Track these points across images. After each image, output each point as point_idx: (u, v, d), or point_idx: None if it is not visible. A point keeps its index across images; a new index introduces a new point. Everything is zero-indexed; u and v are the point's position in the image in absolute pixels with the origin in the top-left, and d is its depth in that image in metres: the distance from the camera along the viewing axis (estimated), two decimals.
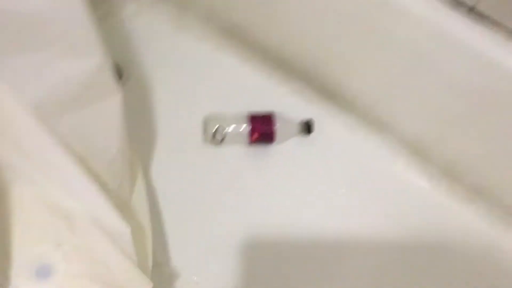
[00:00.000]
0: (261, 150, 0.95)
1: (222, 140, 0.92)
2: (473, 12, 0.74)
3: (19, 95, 0.49)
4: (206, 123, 0.93)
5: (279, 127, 0.92)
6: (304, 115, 0.96)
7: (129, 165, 0.74)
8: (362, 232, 0.90)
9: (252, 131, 0.91)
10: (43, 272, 0.48)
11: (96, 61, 0.53)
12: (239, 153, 0.94)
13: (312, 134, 0.96)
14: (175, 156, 0.93)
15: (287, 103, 0.98)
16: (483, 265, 0.87)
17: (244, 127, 0.92)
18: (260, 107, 0.95)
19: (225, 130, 0.92)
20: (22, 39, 0.48)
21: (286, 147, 0.96)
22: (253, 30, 1.02)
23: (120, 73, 1.01)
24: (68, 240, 0.50)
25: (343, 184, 0.94)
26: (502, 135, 0.80)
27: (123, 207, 0.71)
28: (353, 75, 0.93)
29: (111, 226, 0.54)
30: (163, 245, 0.84)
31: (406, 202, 0.92)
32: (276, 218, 0.90)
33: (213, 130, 0.92)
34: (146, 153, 0.92)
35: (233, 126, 0.92)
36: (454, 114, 0.83)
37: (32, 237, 0.50)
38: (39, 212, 0.51)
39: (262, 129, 0.92)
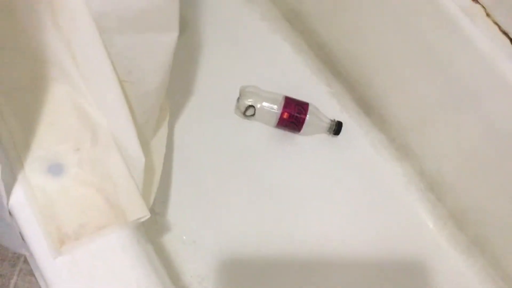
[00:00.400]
0: (285, 136, 0.96)
1: (252, 115, 0.93)
2: None
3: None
4: (241, 94, 0.94)
5: (309, 118, 0.93)
6: (337, 119, 0.96)
7: (159, 108, 0.76)
8: (352, 248, 0.89)
9: (284, 113, 0.92)
10: (56, 169, 0.49)
11: None
12: (264, 133, 0.95)
13: (338, 139, 0.97)
14: (203, 117, 0.94)
15: (324, 102, 0.99)
16: None
17: (277, 108, 0.93)
18: (297, 97, 0.96)
19: (258, 106, 0.93)
20: None
21: (310, 141, 0.97)
22: (315, 23, 1.03)
23: None
24: (88, 148, 0.51)
25: (352, 196, 0.94)
26: None
27: (143, 144, 0.73)
28: (396, 96, 0.93)
29: (129, 151, 0.55)
30: (165, 197, 0.85)
31: (406, 235, 0.92)
32: (279, 206, 0.90)
33: (246, 104, 0.93)
34: (178, 106, 0.93)
35: (266, 103, 0.93)
36: (482, 164, 0.82)
37: (55, 135, 0.51)
38: (69, 115, 0.53)
39: (294, 113, 0.93)
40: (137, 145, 0.55)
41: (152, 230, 0.81)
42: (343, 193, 0.94)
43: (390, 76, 0.93)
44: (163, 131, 0.76)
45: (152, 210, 0.81)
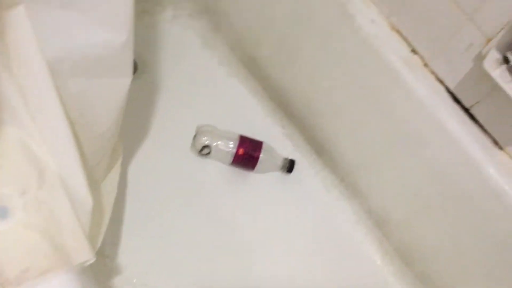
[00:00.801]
0: (240, 174, 0.98)
1: (208, 153, 0.95)
2: (468, 112, 0.79)
3: (43, 42, 0.52)
4: (197, 132, 0.96)
5: (263, 156, 0.97)
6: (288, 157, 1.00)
7: (112, 149, 0.76)
8: (302, 285, 0.91)
9: (239, 150, 0.95)
10: (0, 212, 0.49)
11: (123, 39, 0.57)
12: (219, 171, 0.98)
13: (290, 178, 1.00)
14: (158, 156, 0.95)
15: (277, 142, 1.03)
16: None
17: (232, 146, 0.96)
18: (252, 137, 0.99)
19: (213, 144, 0.95)
20: None
21: (264, 179, 0.99)
22: (271, 69, 1.07)
23: (135, 67, 1.05)
24: (34, 191, 0.52)
25: (303, 233, 0.97)
26: (468, 241, 0.83)
27: (93, 186, 0.74)
28: (345, 138, 0.98)
29: (77, 193, 0.55)
30: (116, 239, 0.85)
31: (355, 270, 0.95)
32: (233, 244, 0.92)
33: (202, 143, 0.95)
34: (133, 146, 0.94)
35: (222, 142, 0.96)
36: (425, 204, 0.87)
37: (2, 177, 0.51)
38: (17, 157, 0.53)
39: (248, 150, 0.96)
40: (85, 187, 0.56)
41: (101, 273, 0.80)
42: (295, 230, 0.97)
43: (339, 119, 0.97)
44: (115, 172, 0.77)
45: (101, 253, 0.81)
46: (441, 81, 0.81)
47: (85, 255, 0.51)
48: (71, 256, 0.50)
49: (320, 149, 1.03)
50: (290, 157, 1.01)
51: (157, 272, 0.84)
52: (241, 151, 0.96)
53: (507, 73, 0.69)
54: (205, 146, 0.96)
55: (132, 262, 0.83)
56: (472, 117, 0.79)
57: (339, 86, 0.93)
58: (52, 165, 0.55)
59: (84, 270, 0.56)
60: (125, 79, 0.62)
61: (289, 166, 0.99)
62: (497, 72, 0.69)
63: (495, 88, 0.70)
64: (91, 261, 0.52)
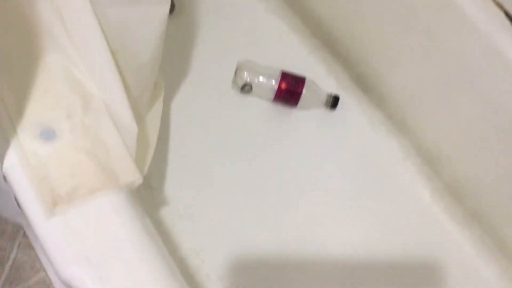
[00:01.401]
0: (282, 110, 0.96)
1: (249, 90, 0.94)
2: None
3: None
4: (238, 68, 0.95)
5: (307, 92, 0.94)
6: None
7: (154, 82, 0.76)
8: (349, 223, 0.90)
9: (281, 84, 0.93)
10: (48, 135, 0.50)
11: None
12: (261, 108, 0.96)
13: (335, 115, 0.97)
14: (199, 94, 0.95)
15: (321, 80, 0.99)
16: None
17: (274, 83, 0.93)
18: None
19: (255, 80, 0.93)
20: None
21: (307, 116, 0.97)
22: (313, 3, 1.03)
23: (172, 7, 1.03)
24: (80, 115, 0.52)
25: (349, 171, 0.94)
26: None
27: (139, 118, 0.74)
28: (394, 74, 0.94)
29: (122, 119, 0.56)
30: (162, 172, 0.86)
31: (403, 208, 0.92)
32: (276, 180, 0.91)
33: (244, 79, 0.93)
34: (174, 84, 0.94)
35: (264, 78, 0.94)
36: (479, 136, 0.83)
37: (48, 102, 0.52)
38: (62, 83, 0.53)
39: (291, 85, 0.93)
40: (129, 114, 0.56)
41: (149, 205, 0.82)
42: (340, 169, 0.95)
43: (388, 54, 0.93)
44: (158, 106, 0.77)
45: (149, 186, 0.83)
46: (499, 5, 0.75)
47: (133, 175, 0.52)
48: (119, 177, 0.51)
49: (366, 86, 0.99)
50: (335, 94, 0.98)
51: (202, 205, 0.85)
52: (283, 85, 0.94)
53: None
54: (246, 84, 0.95)
55: (178, 194, 0.85)
56: None
57: (387, 18, 0.88)
58: (96, 92, 0.56)
59: (132, 194, 0.58)
60: (164, 6, 0.60)
61: (333, 101, 0.96)
62: None
63: None
64: (139, 182, 0.53)
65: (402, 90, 0.93)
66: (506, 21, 0.75)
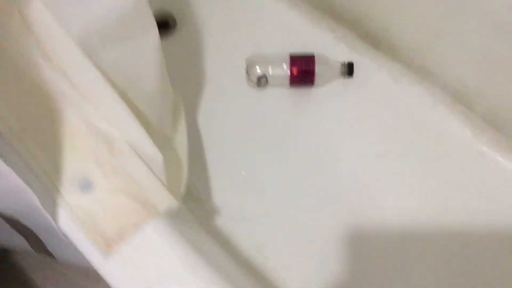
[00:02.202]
0: (303, 92, 0.98)
1: (265, 83, 0.96)
2: None
3: (66, 26, 0.55)
4: (248, 65, 0.97)
5: (319, 68, 0.94)
6: (347, 60, 0.96)
7: (172, 104, 0.80)
8: (397, 180, 0.90)
9: (292, 70, 0.94)
10: (85, 186, 0.55)
11: None
12: (282, 95, 0.97)
13: (355, 80, 0.97)
14: (220, 99, 0.98)
15: (331, 49, 0.99)
16: None
17: (286, 68, 0.95)
18: (304, 51, 0.97)
19: (268, 72, 0.95)
20: None
21: (328, 90, 0.97)
22: None
23: (174, 21, 1.07)
24: (107, 160, 0.57)
25: (385, 130, 0.94)
26: None
27: (165, 142, 0.79)
28: (399, 21, 0.92)
29: (145, 151, 0.60)
30: (207, 183, 0.91)
31: (447, 151, 0.91)
32: (317, 159, 0.92)
33: (257, 75, 0.95)
34: (194, 96, 0.97)
35: (275, 67, 0.95)
36: (497, 59, 0.80)
37: (78, 156, 0.57)
38: (85, 135, 0.58)
39: (302, 67, 0.94)
40: (151, 144, 0.60)
41: (203, 217, 0.86)
42: (376, 130, 0.94)
43: (388, 2, 0.91)
44: (182, 125, 0.80)
45: (199, 200, 0.88)
46: None
47: (168, 201, 0.56)
48: (156, 206, 0.55)
49: (376, 42, 0.98)
50: (348, 59, 0.97)
51: (251, 204, 0.89)
52: (295, 70, 0.95)
53: None
54: (260, 77, 0.96)
55: (227, 200, 0.88)
56: None
57: None
58: (117, 133, 0.60)
59: (182, 214, 0.62)
60: (152, 32, 0.63)
61: (349, 69, 0.96)
62: None
63: None
64: (175, 206, 0.57)
65: (412, 35, 0.91)
66: None
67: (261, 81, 0.97)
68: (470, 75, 0.87)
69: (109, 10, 0.56)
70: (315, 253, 0.86)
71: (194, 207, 0.86)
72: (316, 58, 0.95)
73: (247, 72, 0.97)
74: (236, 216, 0.88)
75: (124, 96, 0.63)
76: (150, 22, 0.63)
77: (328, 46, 1.00)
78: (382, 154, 0.93)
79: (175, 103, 0.83)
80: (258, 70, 0.96)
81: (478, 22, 0.77)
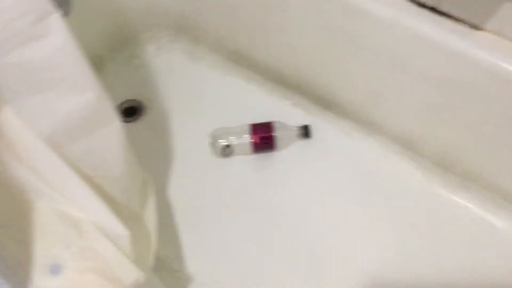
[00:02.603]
0: (266, 157, 1.05)
1: (230, 152, 1.03)
2: (435, 11, 0.80)
3: (33, 128, 0.63)
4: (213, 138, 1.04)
5: (279, 133, 1.03)
6: (303, 123, 1.05)
7: (141, 182, 0.87)
8: (360, 225, 0.96)
9: (254, 137, 1.02)
10: (55, 269, 0.60)
11: (94, 94, 0.66)
12: (246, 162, 1.05)
13: (313, 141, 1.05)
14: (189, 173, 1.04)
15: (287, 115, 1.08)
16: (477, 245, 0.91)
17: (248, 137, 1.03)
18: (264, 120, 1.05)
19: (231, 142, 1.03)
20: (33, 83, 0.62)
21: (289, 152, 1.05)
22: (254, 53, 1.13)
23: (141, 108, 1.16)
24: (76, 243, 0.62)
25: (342, 182, 1.01)
26: (481, 121, 0.84)
27: (135, 218, 0.84)
28: (342, 83, 1.02)
29: (112, 230, 0.65)
30: (179, 253, 0.95)
31: (402, 196, 0.98)
32: (285, 220, 0.98)
33: (222, 145, 1.03)
34: (164, 173, 1.04)
35: (238, 138, 1.04)
36: (433, 106, 0.89)
37: (47, 242, 0.62)
38: (54, 222, 0.64)
39: (262, 134, 1.02)
40: (117, 223, 0.66)
41: (177, 285, 0.90)
42: (336, 183, 1.01)
43: (330, 68, 1.01)
44: (152, 201, 0.86)
45: (171, 269, 0.92)
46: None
47: (134, 275, 0.61)
48: (123, 280, 0.60)
49: (327, 104, 1.08)
50: (305, 122, 1.06)
51: (223, 269, 0.93)
52: (256, 138, 1.03)
53: None
54: (226, 147, 1.04)
55: (200, 267, 0.92)
56: (441, 13, 0.80)
57: (315, 43, 0.97)
58: (85, 217, 0.66)
59: (149, 286, 0.66)
60: (115, 123, 0.71)
61: (306, 131, 1.04)
62: None
63: None
64: (141, 279, 0.62)
65: (356, 95, 1.00)
66: (408, 3, 0.82)
67: (226, 151, 1.04)
68: (412, 123, 0.95)
69: (73, 109, 0.64)
70: None
71: (167, 277, 0.89)
72: (274, 124, 1.04)
73: (213, 145, 1.05)
74: (209, 281, 0.91)
75: (92, 182, 0.70)
76: (112, 114, 0.70)
77: (285, 112, 1.09)
78: (345, 207, 0.99)
79: (144, 181, 0.89)
80: (222, 141, 1.04)
81: (412, 78, 0.86)
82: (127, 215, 0.78)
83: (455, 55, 0.78)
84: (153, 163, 1.04)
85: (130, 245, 0.66)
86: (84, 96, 0.66)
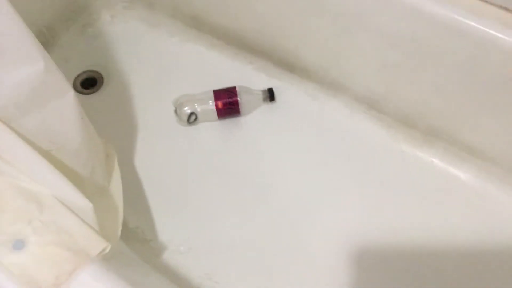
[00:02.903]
0: (232, 122, 1.04)
1: (195, 119, 1.02)
2: None
3: None
4: (176, 106, 1.02)
5: (242, 98, 1.01)
6: (267, 87, 1.04)
7: (103, 154, 0.85)
8: (328, 184, 0.97)
9: (217, 104, 1.00)
10: (18, 245, 0.58)
11: (41, 65, 0.62)
12: (213, 128, 1.04)
13: (278, 104, 1.05)
14: (154, 142, 1.02)
15: (251, 79, 1.07)
16: (444, 198, 0.94)
17: (211, 103, 1.01)
18: (227, 85, 1.04)
19: (196, 109, 1.01)
20: None
21: (255, 116, 1.05)
22: (214, 18, 1.10)
23: (101, 79, 1.12)
24: (38, 217, 0.60)
25: (309, 143, 1.01)
26: (441, 78, 0.85)
27: (101, 191, 0.83)
28: (303, 46, 1.01)
29: (75, 203, 0.64)
30: (150, 222, 0.94)
31: (368, 154, 0.99)
32: (252, 184, 0.98)
33: (186, 113, 1.01)
34: (129, 144, 1.02)
35: (202, 104, 1.02)
36: (393, 64, 0.89)
37: (8, 218, 0.60)
38: (13, 198, 0.62)
39: (226, 100, 1.01)
40: (79, 196, 0.64)
41: (151, 254, 0.90)
42: (303, 145, 1.01)
43: (290, 30, 0.99)
44: (116, 173, 0.85)
45: (144, 239, 0.91)
46: None
47: (100, 246, 0.60)
48: (89, 252, 0.59)
49: (290, 67, 1.07)
50: (269, 86, 1.05)
51: (196, 235, 0.93)
52: (220, 104, 1.01)
53: None
54: (191, 114, 1.02)
55: (172, 235, 0.92)
56: None
57: (273, 3, 0.95)
58: (45, 191, 0.64)
59: (118, 258, 0.66)
60: (68, 94, 0.68)
61: (270, 94, 1.04)
62: None
63: None
64: (108, 249, 0.61)
65: (318, 56, 1.00)
66: None
67: (191, 118, 1.02)
68: (375, 82, 0.95)
69: (21, 81, 0.61)
70: (264, 274, 0.90)
71: (140, 248, 0.89)
72: (237, 89, 1.02)
73: (177, 113, 1.03)
74: (183, 248, 0.91)
75: (49, 156, 0.67)
76: (64, 83, 0.67)
77: (249, 77, 1.08)
78: (314, 167, 0.99)
79: (107, 153, 0.87)
80: (187, 109, 1.02)
81: (370, 36, 0.86)
82: (92, 187, 0.76)
83: (411, 11, 0.78)
84: (117, 134, 1.02)
85: (94, 217, 0.64)
86: (31, 67, 0.63)
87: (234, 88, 1.03)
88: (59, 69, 0.66)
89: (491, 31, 0.74)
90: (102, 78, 1.12)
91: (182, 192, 0.98)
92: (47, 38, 1.12)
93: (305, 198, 0.96)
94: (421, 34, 0.80)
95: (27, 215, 0.61)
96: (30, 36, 0.61)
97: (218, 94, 1.02)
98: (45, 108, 0.66)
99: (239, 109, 1.02)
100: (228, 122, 1.05)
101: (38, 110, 0.65)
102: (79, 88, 1.10)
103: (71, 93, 0.69)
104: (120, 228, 0.73)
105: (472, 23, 0.75)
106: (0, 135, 0.62)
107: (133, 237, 0.91)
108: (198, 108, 1.02)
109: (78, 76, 1.11)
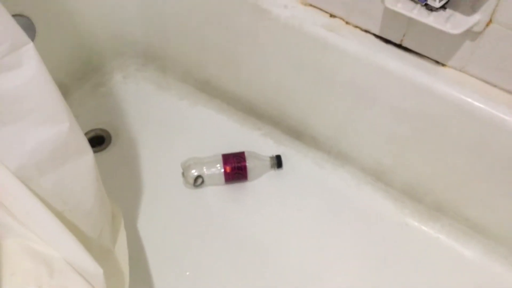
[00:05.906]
0: (238, 187, 1.04)
1: (202, 182, 1.02)
2: (401, 47, 0.84)
3: (2, 161, 0.59)
4: (184, 168, 1.03)
5: (250, 164, 1.02)
6: (275, 154, 1.06)
7: (110, 216, 0.83)
8: (332, 254, 0.96)
9: (225, 168, 1.01)
10: None
11: (65, 126, 0.63)
12: (219, 192, 1.03)
13: (284, 170, 1.05)
14: (160, 204, 1.01)
15: (258, 145, 1.09)
16: (447, 275, 0.93)
17: (219, 167, 1.02)
18: (235, 150, 1.05)
19: (203, 172, 1.01)
20: (3, 113, 0.59)
21: (261, 183, 1.05)
22: (225, 83, 1.13)
23: (109, 138, 1.13)
24: (47, 281, 0.59)
25: (314, 212, 1.01)
26: (448, 153, 0.87)
27: (106, 254, 0.81)
28: (312, 116, 1.03)
29: (84, 267, 0.62)
30: (151, 286, 0.91)
31: (373, 227, 0.99)
32: (255, 251, 0.96)
33: (193, 176, 1.01)
34: (134, 205, 1.00)
35: (209, 167, 1.02)
36: (402, 139, 0.91)
37: (18, 281, 0.58)
38: (23, 260, 0.60)
39: (234, 164, 1.01)
40: (90, 260, 0.62)
41: None
42: (309, 214, 1.01)
43: (301, 100, 1.02)
44: (122, 235, 0.83)
45: None
46: (366, 31, 0.86)
47: None
48: None
49: (298, 134, 1.09)
50: (276, 153, 1.07)
51: None
52: (228, 168, 1.02)
53: (407, 3, 0.74)
54: (197, 177, 1.02)
55: None
56: (407, 49, 0.83)
57: (286, 76, 0.98)
58: (56, 254, 0.62)
59: None
60: (87, 155, 0.69)
61: (278, 161, 1.05)
62: (399, 6, 0.74)
63: (408, 18, 0.75)
64: None
65: (326, 126, 1.02)
66: (376, 40, 0.86)
67: (197, 181, 1.02)
68: (382, 155, 0.97)
69: (44, 141, 0.62)
70: None
71: None
72: (246, 154, 1.03)
73: (184, 175, 1.03)
74: None
75: (62, 217, 0.66)
76: (84, 145, 0.68)
77: (257, 142, 1.10)
78: (319, 236, 0.99)
79: (113, 215, 0.86)
80: (194, 172, 1.02)
81: (380, 111, 0.89)
82: (99, 250, 0.75)
83: (421, 89, 0.81)
84: (122, 194, 1.01)
85: (103, 282, 0.63)
86: (56, 127, 0.64)
87: (242, 153, 1.04)
88: (81, 130, 0.67)
89: (498, 114, 0.77)
90: (110, 137, 1.12)
91: (185, 256, 0.95)
92: None
93: (307, 267, 0.95)
94: (430, 111, 0.83)
95: (37, 278, 0.59)
96: (59, 97, 0.62)
97: (227, 158, 1.03)
98: (63, 168, 0.66)
99: (246, 174, 1.03)
100: (235, 187, 1.05)
101: (56, 170, 0.65)
102: None
103: (90, 155, 0.69)
104: None
105: (481, 105, 0.78)
106: (16, 195, 0.61)
107: None
108: (205, 171, 1.03)
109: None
